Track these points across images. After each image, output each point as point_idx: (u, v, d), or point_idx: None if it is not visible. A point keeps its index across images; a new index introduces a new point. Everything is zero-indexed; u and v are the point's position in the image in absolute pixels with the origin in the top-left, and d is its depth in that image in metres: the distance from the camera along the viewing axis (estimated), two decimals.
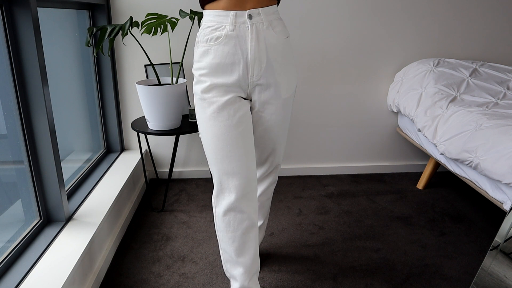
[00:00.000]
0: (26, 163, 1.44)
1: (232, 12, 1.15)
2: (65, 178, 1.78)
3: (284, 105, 1.31)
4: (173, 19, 1.99)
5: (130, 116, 2.45)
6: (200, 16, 1.97)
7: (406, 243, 1.85)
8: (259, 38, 1.17)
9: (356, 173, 2.69)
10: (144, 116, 2.27)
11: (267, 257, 1.74)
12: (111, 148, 2.41)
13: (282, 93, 1.28)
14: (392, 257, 1.75)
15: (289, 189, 2.43)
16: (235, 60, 1.17)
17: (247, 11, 1.15)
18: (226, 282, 1.58)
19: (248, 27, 1.16)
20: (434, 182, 2.54)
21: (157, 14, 1.94)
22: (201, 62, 1.20)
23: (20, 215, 1.45)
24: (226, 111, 1.20)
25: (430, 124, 2.02)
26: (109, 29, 1.78)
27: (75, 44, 2.05)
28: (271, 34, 1.20)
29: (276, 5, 1.24)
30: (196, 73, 1.23)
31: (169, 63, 2.31)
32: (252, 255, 1.31)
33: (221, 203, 1.26)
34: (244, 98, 1.26)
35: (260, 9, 1.16)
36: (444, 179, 2.59)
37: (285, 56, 1.25)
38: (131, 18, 1.80)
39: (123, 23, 1.98)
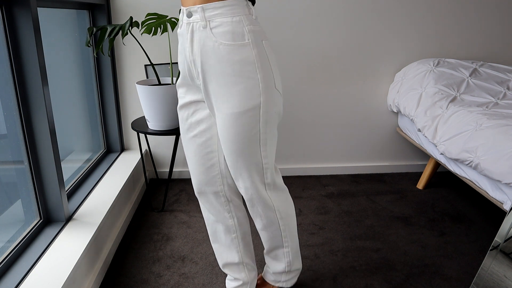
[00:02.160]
0: (26, 163, 1.44)
1: (182, 9, 1.08)
2: (65, 178, 1.78)
3: (229, 121, 1.08)
4: (173, 19, 1.99)
5: (130, 116, 2.45)
6: None
7: (406, 243, 1.85)
8: (193, 39, 1.05)
9: (356, 173, 2.69)
10: (144, 116, 2.27)
11: None
12: (111, 148, 2.41)
13: (222, 108, 1.07)
14: (392, 257, 1.75)
15: (289, 189, 2.43)
16: (181, 59, 1.14)
17: (187, 8, 1.04)
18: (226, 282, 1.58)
19: (186, 25, 1.06)
20: (434, 182, 2.54)
21: (157, 14, 1.94)
22: None
23: (20, 215, 1.45)
24: (181, 114, 1.24)
25: (430, 124, 2.02)
26: (109, 29, 1.78)
27: (75, 44, 2.05)
28: (208, 36, 1.03)
29: (247, 1, 1.06)
30: None
31: (169, 63, 2.31)
32: (219, 247, 1.40)
33: None
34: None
35: (199, 6, 1.02)
36: (444, 179, 2.59)
37: (226, 64, 1.03)
38: (131, 18, 1.80)
39: (123, 23, 1.98)
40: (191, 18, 1.04)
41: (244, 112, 1.06)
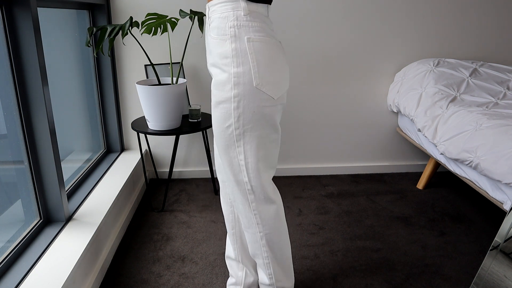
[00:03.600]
0: (26, 163, 1.44)
1: None
2: (65, 178, 1.78)
3: (212, 110, 1.15)
4: (173, 19, 1.99)
5: (130, 116, 2.45)
6: (200, 16, 1.97)
7: (406, 243, 1.85)
8: (206, 34, 1.17)
9: (356, 173, 2.69)
10: (144, 116, 2.27)
11: None
12: (111, 148, 2.41)
13: (212, 97, 1.14)
14: (392, 257, 1.75)
15: (289, 189, 2.43)
16: None
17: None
18: (226, 282, 1.58)
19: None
20: (434, 182, 2.54)
21: (157, 14, 1.93)
22: None
23: (20, 215, 1.45)
24: None
25: (430, 124, 2.02)
26: (109, 29, 1.78)
27: (75, 44, 2.05)
28: (209, 31, 1.12)
29: None
30: None
31: (169, 63, 2.31)
32: (227, 236, 1.45)
33: None
34: None
35: (207, 4, 1.13)
36: (444, 179, 2.59)
37: (213, 56, 1.11)
38: (131, 18, 1.80)
39: (123, 23, 1.98)
40: (206, 16, 1.17)
41: (218, 103, 1.10)
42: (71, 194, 1.80)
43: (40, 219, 1.51)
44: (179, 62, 2.32)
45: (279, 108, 1.12)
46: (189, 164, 2.59)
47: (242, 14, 1.05)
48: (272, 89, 1.07)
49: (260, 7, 1.09)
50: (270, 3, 1.14)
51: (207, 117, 2.24)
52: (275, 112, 1.11)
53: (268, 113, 1.09)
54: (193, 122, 2.14)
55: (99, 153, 2.27)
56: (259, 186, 1.17)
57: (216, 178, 2.57)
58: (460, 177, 1.88)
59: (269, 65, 1.06)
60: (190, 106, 2.14)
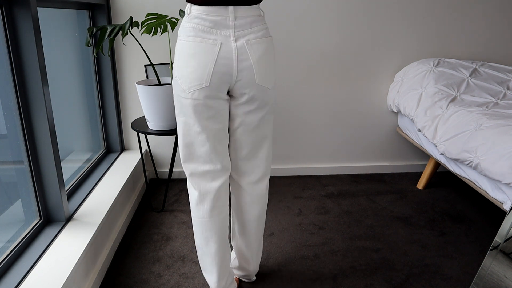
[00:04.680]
0: (26, 163, 1.44)
1: None
2: (65, 178, 1.78)
3: None
4: (173, 19, 1.99)
5: (130, 116, 2.45)
6: None
7: (406, 243, 1.85)
8: None
9: (356, 173, 2.69)
10: (144, 116, 2.27)
11: (267, 257, 1.74)
12: (111, 148, 2.41)
13: None
14: (392, 257, 1.75)
15: (289, 189, 2.43)
16: None
17: None
18: None
19: None
20: (434, 182, 2.54)
21: (157, 14, 1.93)
22: None
23: (20, 215, 1.45)
24: None
25: (430, 124, 2.02)
26: (109, 29, 1.78)
27: (75, 44, 2.05)
28: None
29: (187, 3, 1.18)
30: None
31: (169, 63, 2.31)
32: None
33: None
34: None
35: None
36: (444, 179, 2.59)
37: None
38: (131, 18, 1.80)
39: (123, 23, 1.98)
40: None
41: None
42: (71, 194, 1.80)
43: (40, 219, 1.51)
44: None
45: (196, 103, 1.19)
46: None
47: (185, 15, 1.18)
48: (184, 83, 1.19)
49: (209, 9, 1.12)
50: (208, 5, 1.11)
51: None
52: (192, 106, 1.20)
53: (186, 104, 1.21)
54: None
55: (99, 153, 2.27)
56: (185, 167, 1.31)
57: None
58: (460, 177, 1.88)
59: (184, 61, 1.18)
60: None
